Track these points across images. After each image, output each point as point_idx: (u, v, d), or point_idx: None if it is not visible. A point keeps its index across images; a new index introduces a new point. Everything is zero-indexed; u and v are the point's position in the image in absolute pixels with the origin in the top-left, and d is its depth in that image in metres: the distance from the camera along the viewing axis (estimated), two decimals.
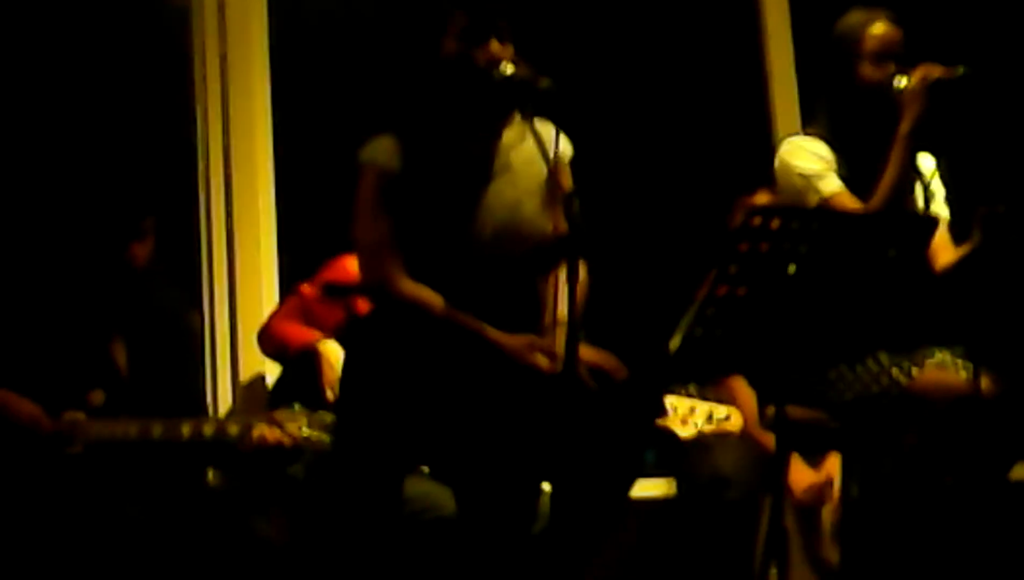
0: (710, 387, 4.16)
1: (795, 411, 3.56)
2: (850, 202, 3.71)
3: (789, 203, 3.77)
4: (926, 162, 3.93)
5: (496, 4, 3.35)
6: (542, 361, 3.24)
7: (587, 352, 3.24)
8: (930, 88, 3.67)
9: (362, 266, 3.39)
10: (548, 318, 3.36)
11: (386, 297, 3.32)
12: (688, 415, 3.90)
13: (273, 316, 4.22)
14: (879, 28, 3.80)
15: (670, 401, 3.87)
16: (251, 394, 4.42)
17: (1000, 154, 5.09)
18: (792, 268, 3.12)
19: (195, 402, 3.90)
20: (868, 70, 3.78)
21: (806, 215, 3.33)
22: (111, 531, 3.45)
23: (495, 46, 3.31)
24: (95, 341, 3.66)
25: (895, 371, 3.63)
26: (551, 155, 3.24)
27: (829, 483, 4.21)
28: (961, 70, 3.68)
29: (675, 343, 3.17)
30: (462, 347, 3.25)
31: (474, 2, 3.33)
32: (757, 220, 3.06)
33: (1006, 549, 3.91)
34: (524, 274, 3.38)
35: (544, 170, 3.36)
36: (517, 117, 3.40)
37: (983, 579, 3.72)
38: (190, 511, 3.58)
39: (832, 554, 4.16)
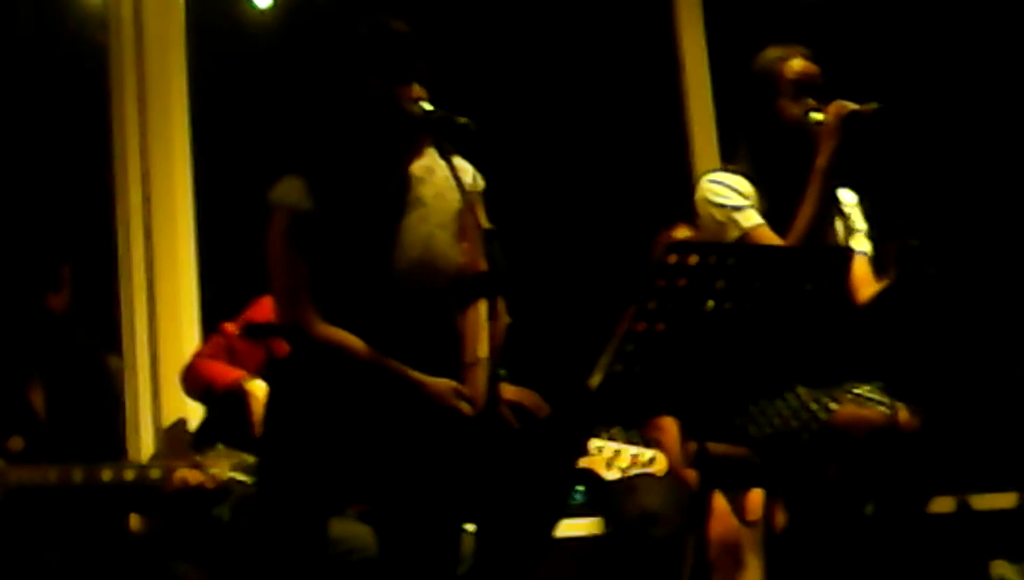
0: (635, 429, 4.17)
1: (717, 447, 3.57)
2: (769, 236, 3.72)
3: (710, 238, 3.78)
4: (847, 197, 3.95)
5: (418, 47, 3.36)
6: (464, 406, 3.24)
7: (508, 390, 3.24)
8: (845, 122, 3.70)
9: (278, 309, 3.37)
10: (468, 356, 3.35)
11: (304, 340, 3.31)
12: (613, 458, 3.90)
13: (197, 355, 4.18)
14: (797, 64, 3.84)
15: (595, 444, 3.87)
16: (173, 438, 4.38)
17: (915, 188, 5.14)
18: (710, 303, 3.13)
19: (115, 446, 3.86)
20: (787, 105, 3.81)
21: (722, 250, 3.34)
22: (32, 578, 3.41)
23: (416, 87, 3.32)
24: (12, 387, 3.62)
25: (814, 406, 3.64)
26: (466, 189, 3.25)
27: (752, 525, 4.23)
28: (875, 105, 3.72)
29: (596, 380, 3.17)
30: (383, 389, 3.24)
31: (399, 44, 3.34)
32: (674, 256, 3.07)
33: None
34: (441, 309, 3.37)
35: (455, 203, 3.38)
36: (426, 152, 3.41)
37: None
38: (111, 556, 3.54)
39: None
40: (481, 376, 3.20)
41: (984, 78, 5.57)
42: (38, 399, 3.65)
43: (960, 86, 5.54)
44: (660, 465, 3.91)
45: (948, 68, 5.57)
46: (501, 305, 3.21)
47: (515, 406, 3.23)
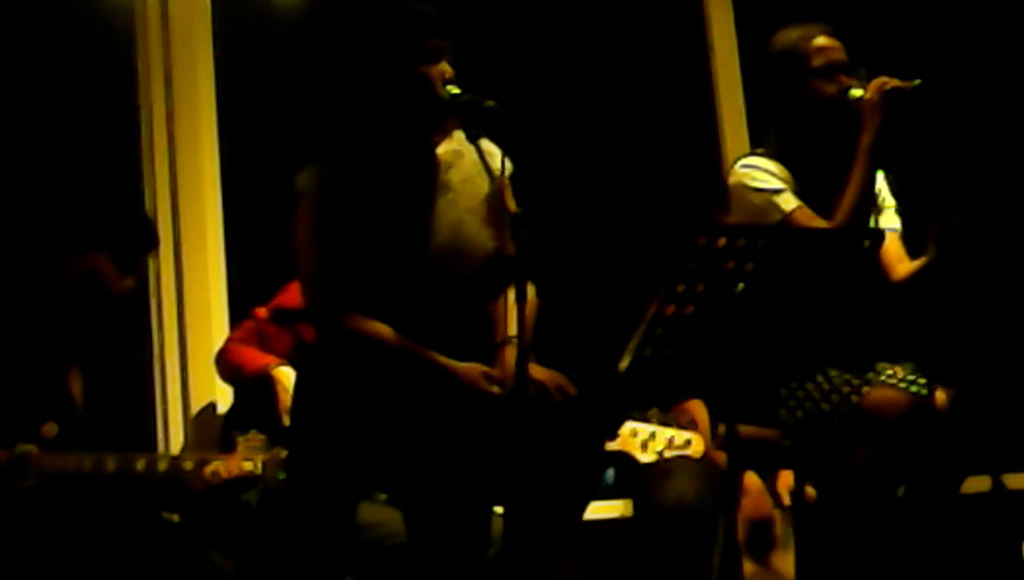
0: (671, 412, 4.15)
1: (747, 429, 3.55)
2: (811, 218, 3.69)
3: (748, 222, 3.75)
4: None
5: (444, 28, 3.35)
6: (494, 390, 3.23)
7: (537, 372, 3.23)
8: (888, 97, 3.66)
9: (305, 296, 3.37)
10: (498, 337, 3.35)
11: (331, 327, 3.30)
12: (648, 441, 3.88)
13: (229, 340, 4.22)
14: (822, 41, 3.80)
15: (630, 427, 3.86)
16: (202, 424, 4.40)
17: (955, 167, 5.11)
18: (740, 286, 3.12)
19: (150, 437, 3.88)
20: (821, 84, 3.77)
21: (751, 232, 3.31)
22: (63, 564, 3.42)
23: (445, 66, 3.31)
24: (51, 372, 3.63)
25: (845, 388, 3.63)
26: (495, 173, 3.24)
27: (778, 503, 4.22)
28: (917, 82, 3.68)
29: (624, 363, 3.17)
30: (411, 375, 3.23)
31: (424, 25, 3.33)
32: (703, 239, 3.06)
33: (958, 561, 3.92)
34: (471, 295, 3.36)
35: (483, 188, 3.36)
36: (453, 136, 3.40)
37: None
38: (144, 544, 3.55)
39: (786, 568, 4.16)
40: (511, 357, 3.19)
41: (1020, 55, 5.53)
42: (76, 386, 3.66)
43: (995, 65, 5.49)
44: (697, 447, 3.89)
45: (984, 46, 5.53)
46: (530, 288, 3.20)
47: (541, 388, 3.23)
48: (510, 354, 3.21)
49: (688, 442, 3.87)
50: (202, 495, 3.57)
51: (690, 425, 4.04)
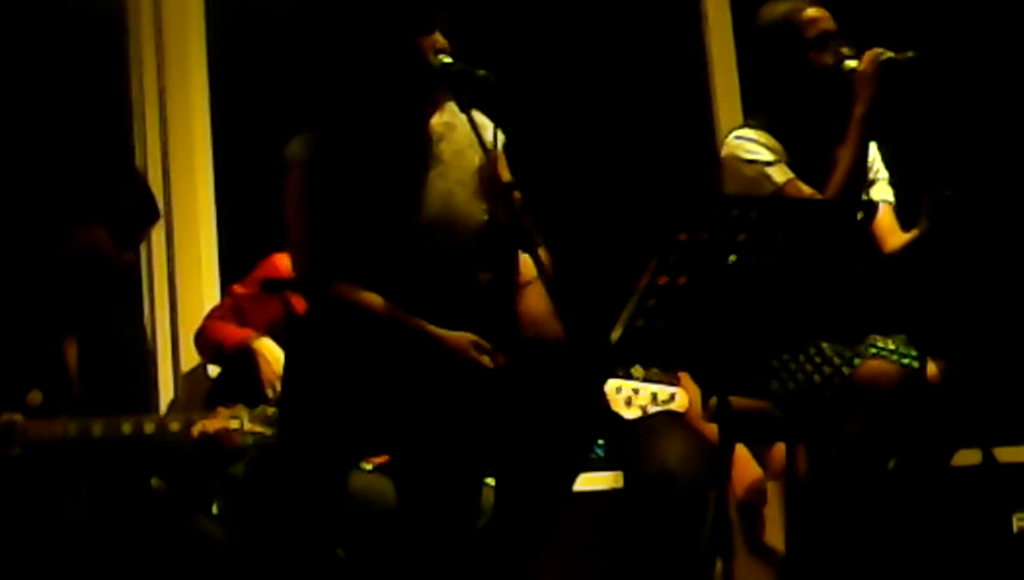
0: (655, 368, 4.15)
1: (738, 401, 3.55)
2: (804, 190, 3.70)
3: (739, 194, 3.75)
4: None
5: None
6: (484, 359, 3.22)
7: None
8: (882, 68, 3.66)
9: (295, 266, 3.38)
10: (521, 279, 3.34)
11: (322, 297, 3.29)
12: (632, 397, 3.89)
13: (207, 318, 4.22)
14: (812, 12, 3.80)
15: (614, 384, 3.86)
16: (192, 387, 4.39)
17: (948, 138, 5.10)
18: (732, 257, 3.12)
19: (144, 407, 3.87)
20: (816, 56, 3.77)
21: (744, 203, 3.31)
22: (53, 533, 3.42)
23: (439, 36, 3.29)
24: (46, 344, 3.61)
25: (837, 360, 3.63)
26: (486, 144, 3.23)
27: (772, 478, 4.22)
28: (911, 53, 3.68)
29: (616, 334, 3.16)
30: (403, 344, 3.22)
31: None
32: (696, 211, 3.06)
33: (949, 534, 3.93)
34: (462, 267, 3.35)
35: (475, 160, 3.36)
36: (446, 108, 3.38)
37: (927, 564, 3.75)
38: (134, 512, 3.55)
39: (776, 541, 4.16)
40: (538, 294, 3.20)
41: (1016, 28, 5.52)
42: (72, 358, 3.65)
43: (988, 36, 5.48)
44: (681, 402, 3.90)
45: (976, 16, 5.51)
46: (543, 253, 3.17)
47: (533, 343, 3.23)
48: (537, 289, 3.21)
49: (672, 397, 3.89)
50: (191, 456, 3.56)
51: (673, 379, 4.04)
